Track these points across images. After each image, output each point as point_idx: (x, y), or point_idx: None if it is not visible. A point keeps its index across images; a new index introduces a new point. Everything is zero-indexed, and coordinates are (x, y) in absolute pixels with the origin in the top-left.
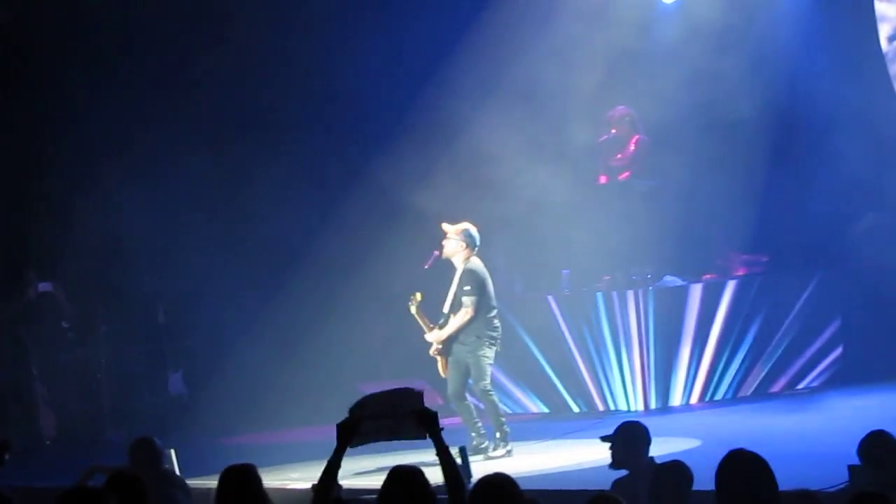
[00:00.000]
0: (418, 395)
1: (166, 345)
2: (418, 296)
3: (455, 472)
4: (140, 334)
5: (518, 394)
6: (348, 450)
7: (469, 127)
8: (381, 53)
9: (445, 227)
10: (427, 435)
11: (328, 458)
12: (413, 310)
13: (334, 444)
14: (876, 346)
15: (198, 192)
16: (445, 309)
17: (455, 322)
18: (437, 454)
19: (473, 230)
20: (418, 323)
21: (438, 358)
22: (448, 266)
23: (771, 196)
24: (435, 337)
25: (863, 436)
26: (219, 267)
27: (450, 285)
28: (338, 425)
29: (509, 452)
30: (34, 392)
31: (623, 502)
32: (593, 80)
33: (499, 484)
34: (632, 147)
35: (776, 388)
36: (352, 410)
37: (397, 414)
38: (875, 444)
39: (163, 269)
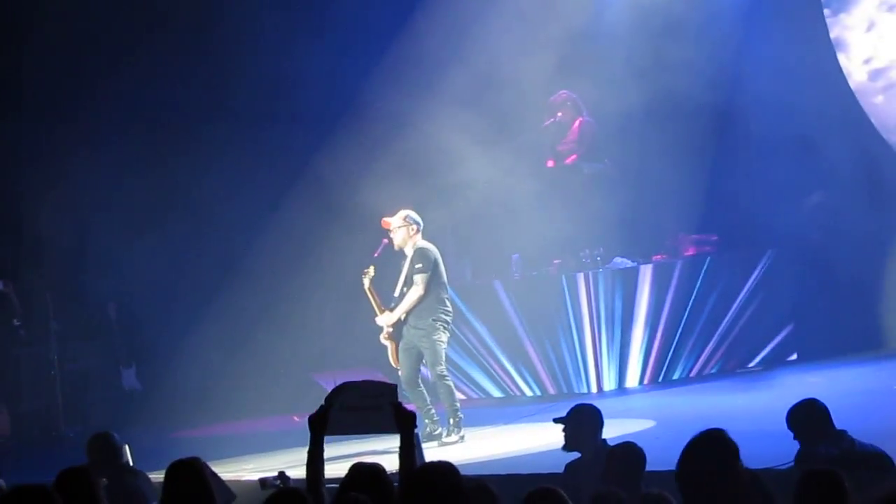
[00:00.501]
0: (393, 389)
1: (118, 340)
2: (371, 270)
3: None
4: (92, 331)
5: (471, 378)
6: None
7: (415, 115)
8: (326, 40)
9: (386, 221)
10: (403, 431)
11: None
12: (366, 284)
13: (287, 433)
14: (826, 322)
15: (145, 188)
16: (396, 293)
17: (407, 300)
18: (402, 449)
19: (413, 213)
20: (370, 302)
21: (389, 344)
22: (397, 253)
23: (718, 176)
24: (386, 319)
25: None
26: (168, 261)
27: (400, 270)
28: (309, 418)
29: (462, 438)
30: None
31: (562, 493)
32: (540, 65)
33: (441, 472)
34: (575, 130)
35: (729, 367)
36: (328, 398)
37: (373, 407)
38: (800, 414)
39: (112, 266)
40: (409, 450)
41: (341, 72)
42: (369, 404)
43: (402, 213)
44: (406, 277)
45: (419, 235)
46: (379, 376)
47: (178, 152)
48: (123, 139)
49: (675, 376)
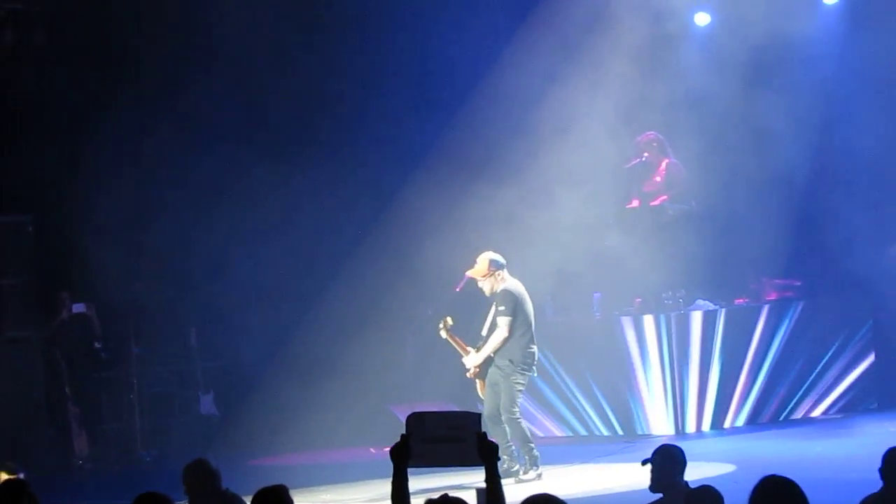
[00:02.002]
0: (476, 418)
1: (198, 366)
2: (448, 320)
3: (502, 501)
4: (172, 356)
5: (548, 417)
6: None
7: (501, 153)
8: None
9: (470, 273)
10: (486, 462)
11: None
12: (443, 334)
13: (362, 465)
14: None
15: (237, 217)
16: (484, 332)
17: (491, 343)
18: (488, 481)
19: (494, 255)
20: (452, 346)
21: (477, 381)
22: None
23: (805, 222)
24: (472, 360)
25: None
26: (250, 289)
27: (486, 310)
28: (390, 449)
29: (539, 476)
30: (67, 412)
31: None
32: (623, 102)
33: (545, 500)
34: (662, 171)
35: (811, 412)
36: (408, 427)
37: (456, 438)
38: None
39: (196, 292)
40: (496, 481)
41: (432, 114)
42: (453, 435)
43: (484, 261)
44: (491, 319)
45: (502, 274)
46: (454, 409)
47: (273, 184)
48: (222, 163)
49: (757, 420)
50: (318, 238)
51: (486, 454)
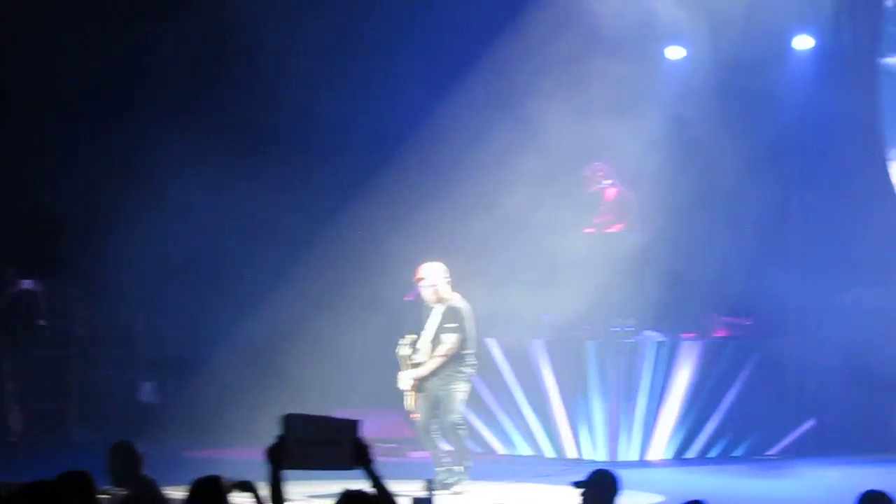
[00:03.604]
0: (354, 425)
1: (142, 353)
2: (409, 339)
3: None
4: (116, 341)
5: (487, 433)
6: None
7: (457, 170)
8: (371, 87)
9: (419, 274)
10: (361, 467)
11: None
12: (405, 352)
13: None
14: (850, 418)
15: (191, 206)
16: (419, 345)
17: (435, 359)
18: (373, 484)
19: (441, 266)
20: (399, 361)
21: (411, 392)
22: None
23: (758, 261)
24: (412, 375)
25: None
26: (199, 280)
27: (425, 321)
28: (266, 450)
29: (466, 489)
30: (4, 387)
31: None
32: (583, 131)
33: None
34: (613, 200)
35: (744, 451)
36: (282, 424)
37: (332, 441)
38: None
39: (144, 279)
40: (379, 484)
41: (387, 120)
42: (328, 438)
43: (436, 268)
44: (435, 334)
45: (447, 288)
46: (397, 419)
47: (228, 172)
48: (178, 155)
49: (692, 455)
50: (272, 230)
51: (361, 459)
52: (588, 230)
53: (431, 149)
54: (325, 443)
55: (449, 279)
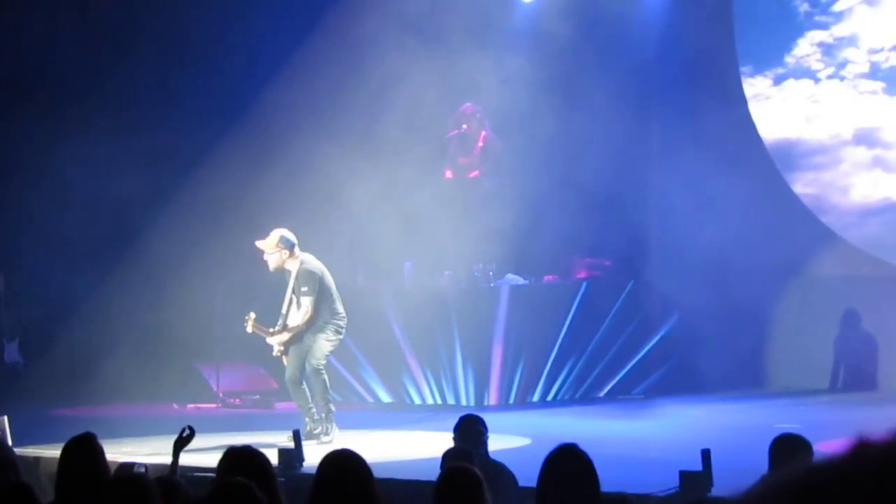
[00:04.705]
0: None
1: (3, 313)
2: (252, 315)
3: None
4: None
5: (354, 383)
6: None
7: (311, 121)
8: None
9: (259, 244)
10: None
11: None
12: (250, 329)
13: (166, 420)
14: (711, 355)
15: (39, 166)
16: (284, 310)
17: (296, 324)
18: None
19: (286, 232)
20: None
21: (284, 357)
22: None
23: (618, 201)
24: (278, 339)
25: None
26: (59, 238)
27: (285, 286)
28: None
29: (333, 433)
30: None
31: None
32: (439, 72)
33: (346, 456)
34: (480, 144)
35: (610, 392)
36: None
37: None
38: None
39: (3, 238)
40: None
41: (241, 80)
42: None
43: (275, 235)
44: (292, 298)
45: (296, 255)
46: (262, 372)
47: (70, 131)
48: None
49: (555, 397)
50: (128, 193)
51: None
52: (448, 172)
53: (288, 97)
54: None
55: (290, 248)
